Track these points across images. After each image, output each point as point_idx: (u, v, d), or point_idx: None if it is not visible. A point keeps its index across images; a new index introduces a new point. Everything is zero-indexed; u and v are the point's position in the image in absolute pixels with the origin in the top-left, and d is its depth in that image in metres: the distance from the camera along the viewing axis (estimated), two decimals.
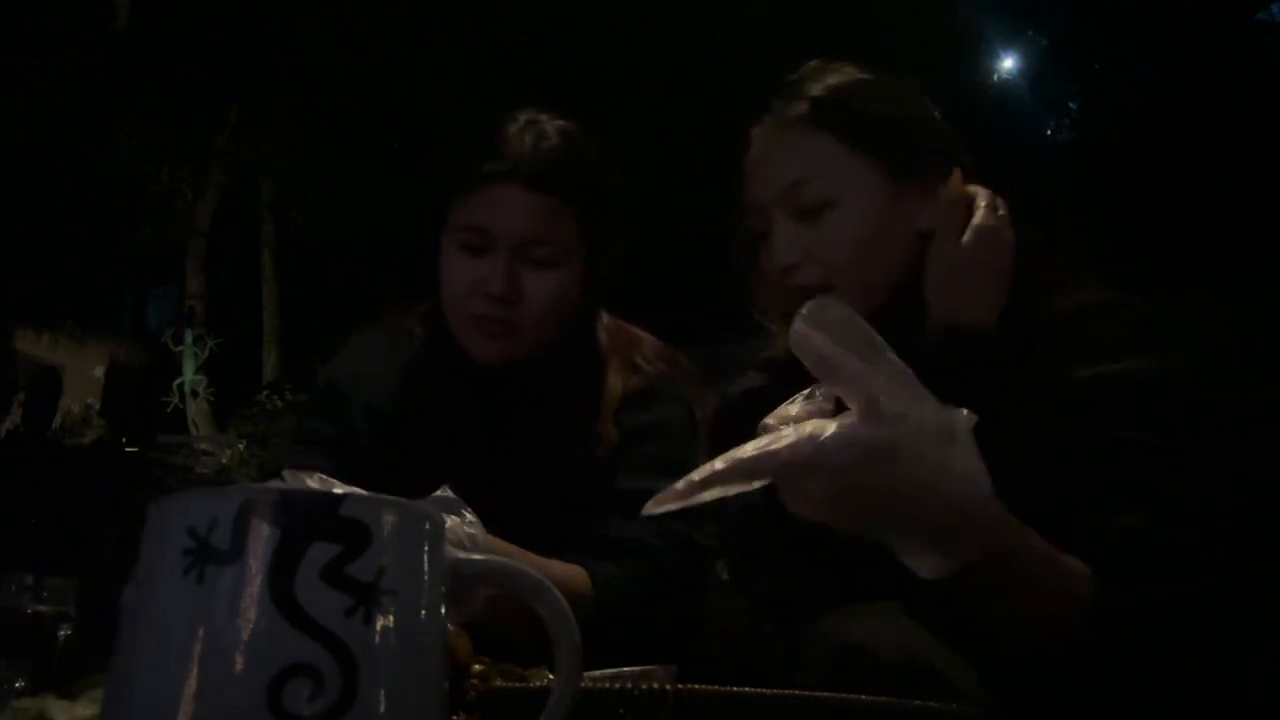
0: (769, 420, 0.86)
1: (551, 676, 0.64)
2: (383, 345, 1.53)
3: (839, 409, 0.84)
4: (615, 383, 1.44)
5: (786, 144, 1.24)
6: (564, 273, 1.39)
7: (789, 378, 0.90)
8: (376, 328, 1.56)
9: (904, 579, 0.88)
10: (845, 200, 1.20)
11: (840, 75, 1.27)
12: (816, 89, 1.24)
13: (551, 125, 1.41)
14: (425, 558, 0.56)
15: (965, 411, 0.83)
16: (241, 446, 8.28)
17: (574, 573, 1.30)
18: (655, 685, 0.69)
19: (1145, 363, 1.10)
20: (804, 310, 0.82)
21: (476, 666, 0.85)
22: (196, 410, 9.97)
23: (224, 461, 8.15)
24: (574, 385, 1.44)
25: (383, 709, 0.51)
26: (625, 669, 0.82)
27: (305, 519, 0.52)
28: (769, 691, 0.70)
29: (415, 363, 1.48)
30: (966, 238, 1.19)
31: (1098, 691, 0.98)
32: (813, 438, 0.80)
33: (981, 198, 1.22)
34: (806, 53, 1.31)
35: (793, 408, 0.86)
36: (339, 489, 0.89)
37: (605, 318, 1.52)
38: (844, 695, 0.72)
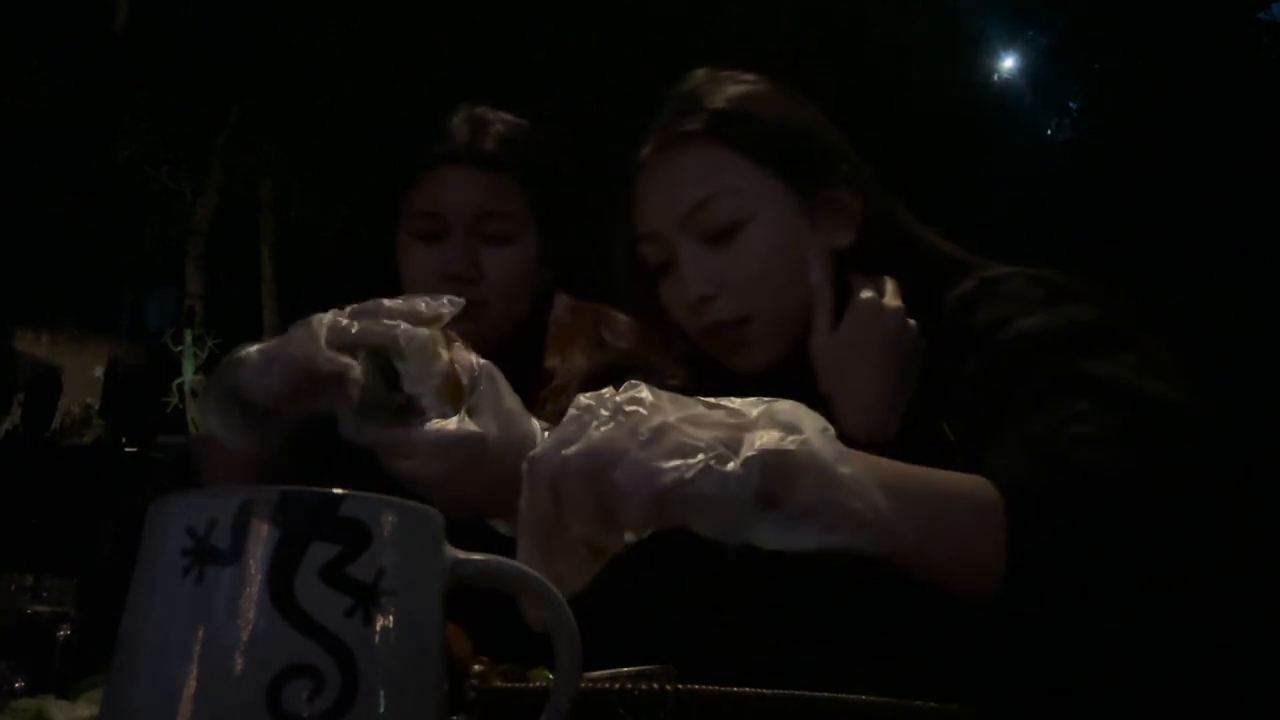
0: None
1: (551, 676, 0.64)
2: None
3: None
4: (582, 361, 1.44)
5: (686, 162, 1.14)
6: (519, 248, 1.43)
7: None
8: None
9: (882, 609, 0.85)
10: (756, 218, 1.12)
11: (738, 85, 1.18)
12: (716, 100, 1.15)
13: (491, 114, 1.46)
14: (425, 558, 0.56)
15: None
16: None
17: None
18: (655, 685, 0.69)
19: (1051, 318, 0.97)
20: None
21: (476, 666, 0.85)
22: (196, 410, 9.97)
23: None
24: (523, 367, 1.46)
25: (382, 709, 0.51)
26: (625, 669, 0.82)
27: (305, 519, 0.52)
28: (769, 691, 0.70)
29: None
30: (844, 321, 1.10)
31: (1090, 693, 0.95)
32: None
33: (859, 279, 1.12)
34: (805, 53, 1.28)
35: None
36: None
37: (567, 299, 1.54)
38: (844, 695, 0.72)
